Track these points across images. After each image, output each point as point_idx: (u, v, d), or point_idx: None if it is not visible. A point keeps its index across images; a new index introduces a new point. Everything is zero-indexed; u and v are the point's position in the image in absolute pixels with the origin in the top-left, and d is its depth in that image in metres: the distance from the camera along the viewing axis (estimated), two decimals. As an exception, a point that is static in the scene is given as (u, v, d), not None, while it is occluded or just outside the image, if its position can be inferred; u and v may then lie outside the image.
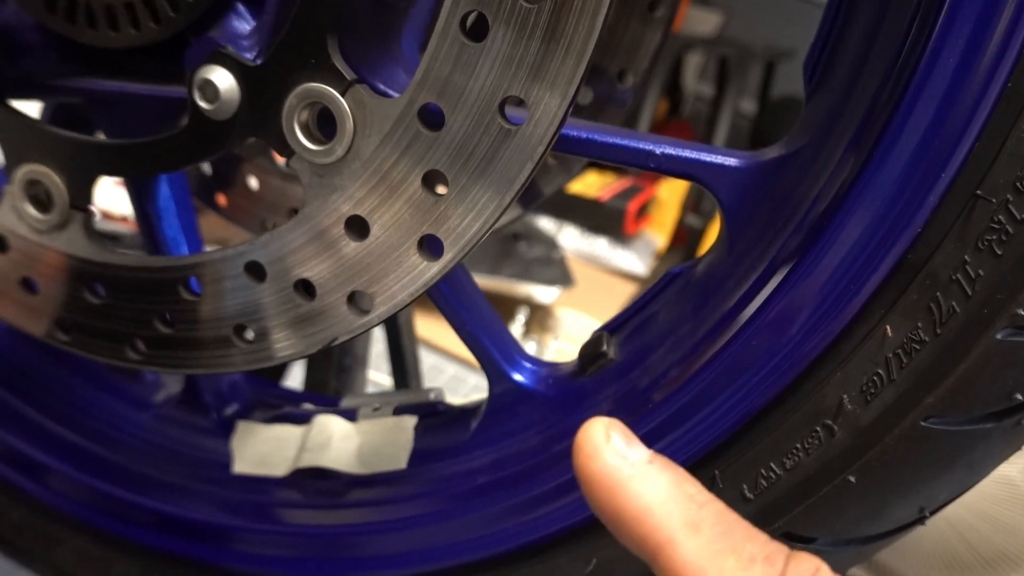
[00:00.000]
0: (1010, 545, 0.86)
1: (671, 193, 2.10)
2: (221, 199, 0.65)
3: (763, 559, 0.23)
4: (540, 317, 1.51)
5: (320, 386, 0.73)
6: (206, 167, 0.65)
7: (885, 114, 0.32)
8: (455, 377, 1.38)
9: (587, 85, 0.54)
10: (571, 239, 1.90)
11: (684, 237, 2.03)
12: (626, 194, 1.99)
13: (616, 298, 1.69)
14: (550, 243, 1.71)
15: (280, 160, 0.66)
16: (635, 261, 1.86)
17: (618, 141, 0.40)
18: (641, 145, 0.40)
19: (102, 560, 0.51)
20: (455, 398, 0.55)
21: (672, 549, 0.23)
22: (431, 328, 1.40)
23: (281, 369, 0.76)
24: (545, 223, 1.93)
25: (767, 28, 2.70)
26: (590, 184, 2.05)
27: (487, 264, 1.55)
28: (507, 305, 1.51)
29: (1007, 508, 0.87)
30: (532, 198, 0.61)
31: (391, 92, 0.34)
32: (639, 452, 0.25)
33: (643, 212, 2.01)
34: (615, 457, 0.24)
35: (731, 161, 0.39)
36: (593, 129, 0.41)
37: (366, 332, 0.38)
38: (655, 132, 2.53)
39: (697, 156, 0.39)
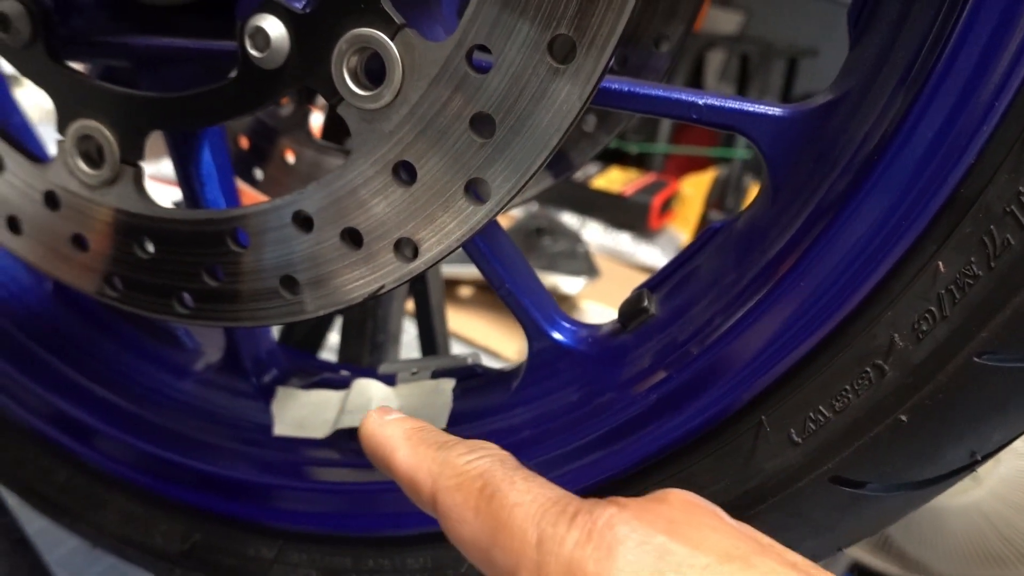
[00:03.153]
0: (1046, 540, 0.84)
1: (695, 188, 2.10)
2: (258, 173, 0.66)
3: (455, 443, 0.34)
4: (565, 308, 1.50)
5: (353, 362, 0.74)
6: (243, 142, 0.66)
7: (936, 49, 0.32)
8: (482, 367, 1.38)
9: (623, 49, 0.55)
10: (595, 234, 1.90)
11: (708, 232, 2.02)
12: (650, 189, 1.99)
13: (640, 292, 1.68)
14: (574, 238, 1.71)
15: (316, 134, 0.67)
16: (659, 256, 1.85)
17: (660, 93, 0.40)
18: (683, 96, 0.40)
19: (146, 519, 0.52)
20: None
21: (393, 454, 0.35)
22: (461, 321, 1.41)
23: (318, 341, 0.77)
24: (569, 218, 1.93)
25: (789, 26, 2.69)
26: (614, 180, 2.05)
27: (512, 257, 1.55)
28: (532, 297, 1.51)
29: (1043, 501, 0.86)
30: (563, 169, 0.61)
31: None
32: (391, 415, 0.37)
33: (667, 207, 2.00)
34: (373, 420, 0.37)
35: (775, 111, 0.39)
36: (635, 83, 0.41)
37: (405, 283, 0.38)
38: (677, 134, 2.51)
39: (740, 106, 0.39)
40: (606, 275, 1.64)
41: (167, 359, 0.57)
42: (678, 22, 0.53)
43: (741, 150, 2.23)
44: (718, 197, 2.07)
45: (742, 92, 2.51)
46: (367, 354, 0.73)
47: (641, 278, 0.45)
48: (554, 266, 1.54)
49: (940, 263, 0.32)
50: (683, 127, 2.63)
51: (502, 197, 0.35)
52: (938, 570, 0.88)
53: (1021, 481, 0.85)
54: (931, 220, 0.32)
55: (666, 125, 2.50)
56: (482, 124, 0.34)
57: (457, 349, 1.38)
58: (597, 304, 1.55)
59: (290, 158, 0.65)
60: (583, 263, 1.58)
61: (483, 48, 0.33)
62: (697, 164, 2.32)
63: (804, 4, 2.64)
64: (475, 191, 0.36)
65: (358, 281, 0.39)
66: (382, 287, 0.38)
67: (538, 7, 0.32)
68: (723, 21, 2.81)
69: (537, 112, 0.33)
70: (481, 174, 0.35)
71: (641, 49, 0.54)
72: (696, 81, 2.72)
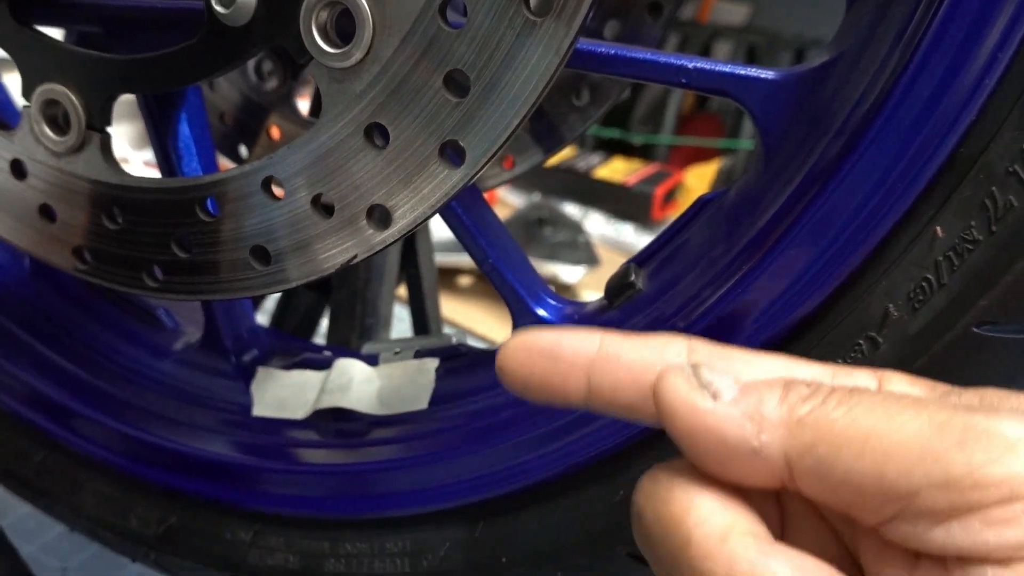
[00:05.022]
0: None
1: (699, 179, 2.07)
2: (243, 151, 0.65)
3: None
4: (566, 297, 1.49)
5: (342, 345, 0.72)
6: (228, 119, 0.65)
7: (934, 2, 0.30)
8: (479, 357, 1.36)
9: (615, 19, 0.53)
10: (597, 225, 1.88)
11: (712, 223, 2.00)
12: (653, 179, 1.97)
13: (643, 282, 1.66)
14: (575, 228, 1.69)
15: (303, 111, 0.66)
16: (662, 247, 1.83)
17: (648, 57, 0.39)
18: (672, 60, 0.38)
19: (123, 501, 0.50)
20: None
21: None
22: (460, 310, 1.39)
23: (309, 333, 0.75)
24: (570, 208, 1.91)
25: (796, 17, 2.66)
26: (616, 170, 2.03)
27: (512, 247, 1.53)
28: (532, 286, 1.49)
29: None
30: (553, 143, 0.59)
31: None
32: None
33: (670, 198, 1.98)
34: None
35: (767, 74, 0.37)
36: (622, 47, 0.40)
37: (386, 248, 0.36)
38: (682, 126, 2.48)
39: (730, 70, 0.38)
40: (607, 265, 1.62)
41: (146, 338, 0.55)
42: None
43: (746, 141, 2.20)
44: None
45: (748, 83, 2.47)
46: (356, 338, 0.71)
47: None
48: (555, 256, 1.52)
49: (938, 228, 0.30)
50: (688, 119, 2.60)
51: (478, 159, 0.34)
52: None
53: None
54: (928, 182, 0.30)
55: (671, 116, 2.47)
56: (457, 82, 0.33)
57: (455, 338, 1.36)
58: (598, 293, 1.54)
59: (276, 135, 0.63)
60: (584, 252, 1.56)
61: (458, 2, 0.32)
62: (702, 155, 2.29)
63: (812, -7, 2.61)
64: (450, 153, 0.34)
65: (331, 251, 0.37)
66: (355, 256, 0.37)
67: (512, -45, 0.30)
68: (730, 12, 2.78)
69: (513, 69, 0.32)
70: (456, 136, 0.33)
71: (633, 19, 0.52)
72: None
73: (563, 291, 1.50)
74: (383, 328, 0.75)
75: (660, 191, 1.91)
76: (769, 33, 2.60)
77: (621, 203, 1.91)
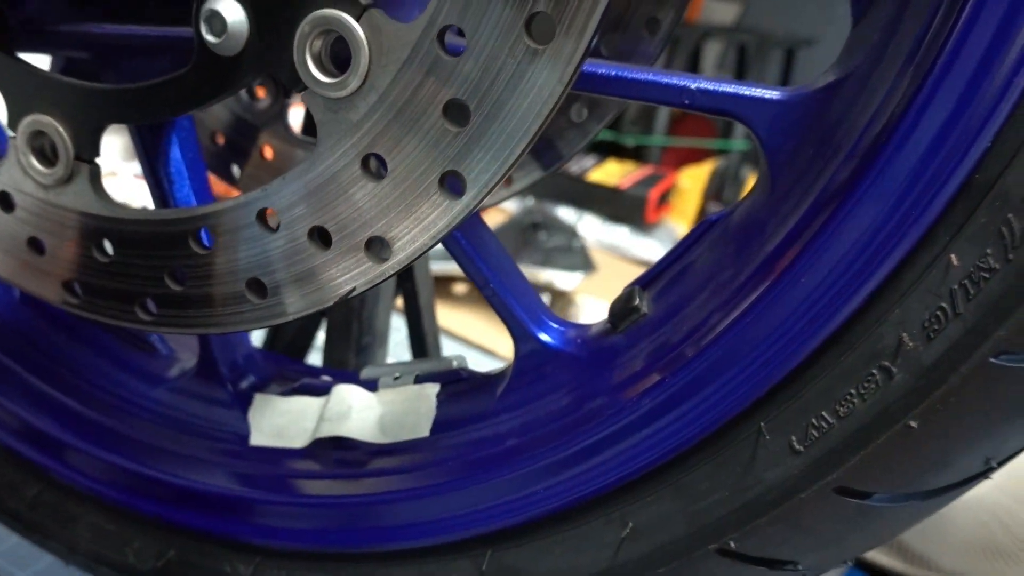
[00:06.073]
0: (1053, 531, 0.82)
1: (693, 181, 2.07)
2: (236, 171, 0.64)
3: None
4: (562, 304, 1.48)
5: (339, 365, 0.71)
6: (220, 138, 0.64)
7: (949, 21, 0.29)
8: (477, 366, 1.35)
9: (612, 34, 0.52)
10: (591, 228, 1.87)
11: (706, 225, 1.99)
12: (647, 182, 1.96)
13: (638, 286, 1.66)
14: (570, 232, 1.68)
15: (295, 128, 0.64)
16: (657, 249, 1.82)
17: (650, 78, 0.38)
18: (674, 81, 0.37)
19: (119, 536, 0.49)
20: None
21: None
22: (455, 319, 1.38)
23: (305, 347, 0.74)
24: (565, 212, 1.90)
25: (786, 16, 2.66)
26: (610, 173, 2.02)
27: (507, 253, 1.52)
28: (528, 293, 1.48)
29: (1049, 493, 0.83)
30: (552, 160, 0.58)
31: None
32: None
33: (664, 200, 1.98)
34: None
35: (772, 94, 0.36)
36: (623, 67, 0.39)
37: (385, 280, 0.36)
38: (674, 126, 2.47)
39: (735, 90, 0.37)
40: (603, 269, 1.61)
41: (139, 366, 0.54)
42: (669, 6, 0.50)
43: (739, 142, 2.20)
44: (716, 189, 2.04)
45: (739, 83, 2.47)
46: (353, 357, 0.70)
47: (638, 271, 0.43)
48: (550, 261, 1.52)
49: (953, 256, 0.29)
50: (680, 119, 2.60)
51: (480, 189, 0.33)
52: (941, 564, 0.86)
53: (1026, 473, 0.83)
54: (943, 209, 0.30)
55: (663, 117, 2.47)
56: (456, 111, 0.32)
57: (451, 348, 1.36)
58: (594, 299, 1.53)
59: (268, 154, 0.62)
60: (579, 258, 1.55)
61: (456, 29, 0.31)
62: (695, 156, 2.29)
63: (801, -8, 2.61)
64: (451, 184, 0.33)
65: (329, 283, 0.36)
66: (353, 289, 0.36)
67: (513, -17, 0.29)
68: (720, 11, 2.78)
69: (515, 97, 0.31)
70: (457, 166, 0.32)
71: (630, 34, 0.52)
72: (693, 72, 2.68)
73: (560, 298, 1.49)
74: (380, 346, 0.74)
75: (654, 194, 1.90)
76: (759, 32, 2.60)
77: (615, 206, 1.90)
